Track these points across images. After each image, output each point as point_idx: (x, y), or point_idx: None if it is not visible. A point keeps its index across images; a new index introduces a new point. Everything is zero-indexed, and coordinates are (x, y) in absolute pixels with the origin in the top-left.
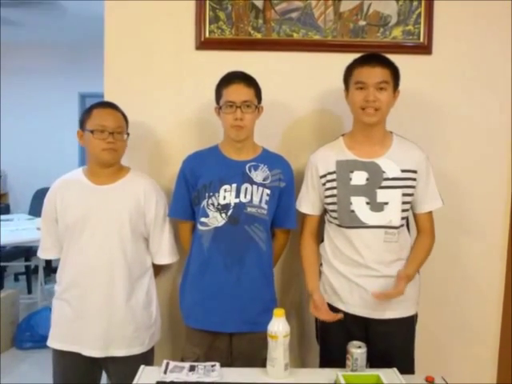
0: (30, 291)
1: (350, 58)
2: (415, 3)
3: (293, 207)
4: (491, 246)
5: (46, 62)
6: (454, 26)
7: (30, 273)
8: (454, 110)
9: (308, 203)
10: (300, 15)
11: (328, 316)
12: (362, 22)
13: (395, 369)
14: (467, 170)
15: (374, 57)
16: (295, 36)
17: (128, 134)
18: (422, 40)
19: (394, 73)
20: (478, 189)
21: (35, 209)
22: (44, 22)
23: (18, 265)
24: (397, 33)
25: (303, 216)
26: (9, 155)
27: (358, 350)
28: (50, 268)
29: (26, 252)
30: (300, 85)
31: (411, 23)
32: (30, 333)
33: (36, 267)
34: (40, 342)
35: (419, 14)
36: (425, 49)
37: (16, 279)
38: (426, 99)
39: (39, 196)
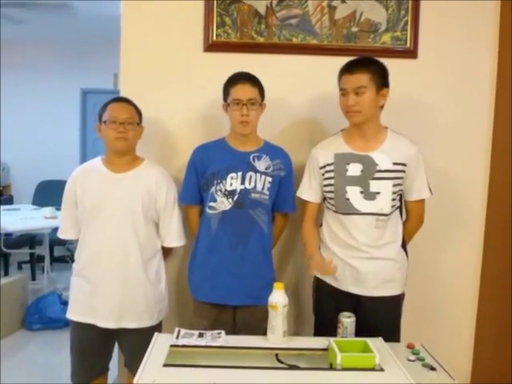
0: (34, 278)
1: (343, 60)
2: (403, 12)
3: (291, 193)
4: (470, 231)
5: (50, 58)
6: (438, 32)
7: (34, 261)
8: (437, 108)
9: (309, 191)
10: (299, 22)
11: (330, 270)
12: (354, 29)
13: (380, 338)
14: (449, 163)
15: (353, 64)
16: (294, 40)
17: (140, 125)
18: (408, 45)
19: (375, 75)
20: (459, 181)
21: (39, 200)
22: (49, 20)
23: (24, 252)
24: (386, 38)
25: (304, 203)
26: (12, 148)
27: (348, 320)
28: (53, 257)
29: (31, 240)
30: (299, 84)
31: (399, 30)
32: (38, 315)
33: (39, 256)
34: (48, 323)
35: (406, 21)
36: (411, 53)
37: (19, 267)
38: (412, 99)
39: (42, 188)
